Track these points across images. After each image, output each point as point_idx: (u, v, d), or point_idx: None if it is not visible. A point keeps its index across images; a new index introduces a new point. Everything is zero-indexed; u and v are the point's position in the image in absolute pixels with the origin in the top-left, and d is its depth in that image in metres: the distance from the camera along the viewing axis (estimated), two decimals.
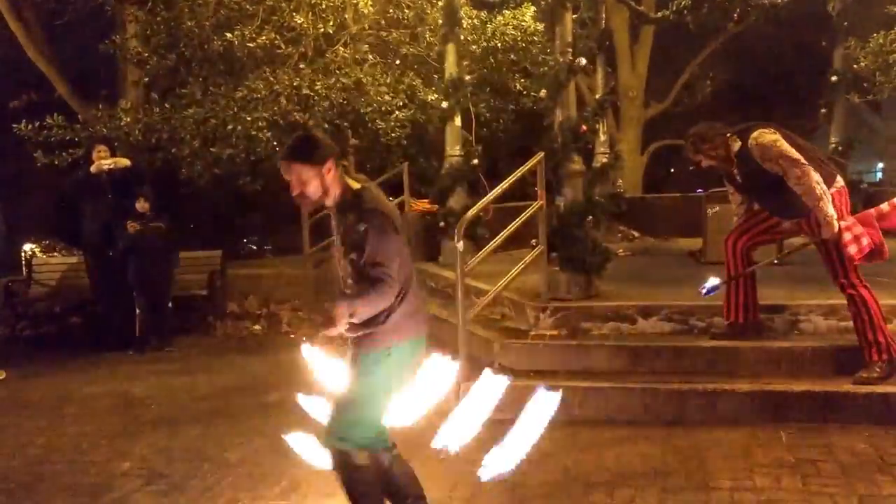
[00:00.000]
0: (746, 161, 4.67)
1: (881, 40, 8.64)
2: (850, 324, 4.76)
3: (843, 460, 4.02)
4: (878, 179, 19.35)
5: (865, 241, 4.47)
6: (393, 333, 3.05)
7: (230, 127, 9.29)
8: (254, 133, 9.18)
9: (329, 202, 3.03)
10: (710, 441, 4.37)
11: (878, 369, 4.57)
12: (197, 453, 4.65)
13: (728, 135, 4.77)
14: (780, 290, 5.17)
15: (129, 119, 9.61)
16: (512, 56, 10.87)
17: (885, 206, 4.55)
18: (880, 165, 20.75)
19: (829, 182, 4.54)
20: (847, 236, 4.48)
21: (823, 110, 9.54)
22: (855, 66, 9.25)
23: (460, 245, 5.16)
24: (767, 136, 4.56)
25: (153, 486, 4.18)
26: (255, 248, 20.33)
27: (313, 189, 2.96)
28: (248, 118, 9.13)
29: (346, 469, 3.07)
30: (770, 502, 3.60)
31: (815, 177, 4.45)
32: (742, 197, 5.08)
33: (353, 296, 2.87)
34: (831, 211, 4.46)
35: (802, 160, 4.46)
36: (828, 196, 4.46)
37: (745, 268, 4.97)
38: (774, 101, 16.79)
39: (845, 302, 4.73)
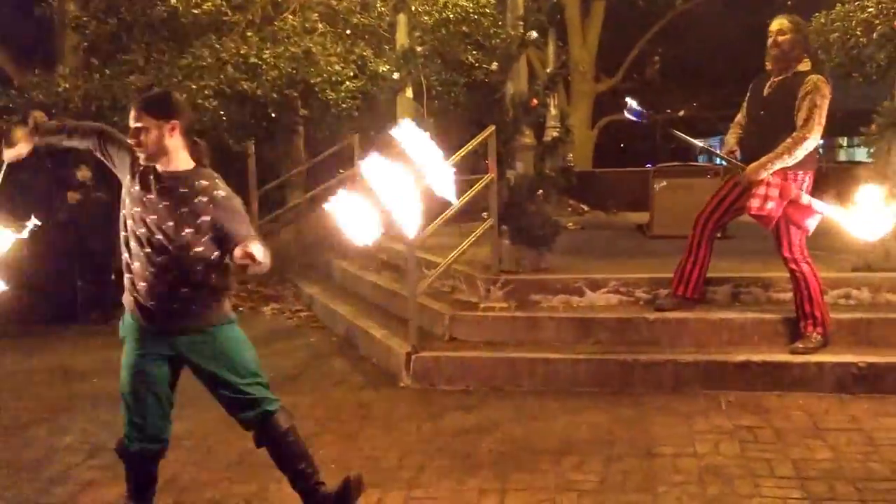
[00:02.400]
0: (789, 84, 4.68)
1: (822, 19, 8.78)
2: (789, 296, 4.91)
3: (778, 426, 4.16)
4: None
5: (771, 205, 4.59)
6: None
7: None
8: (199, 101, 8.96)
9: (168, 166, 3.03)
10: (654, 409, 4.49)
11: (813, 340, 4.74)
12: None
13: (807, 54, 4.76)
14: (722, 263, 5.30)
15: (67, 85, 9.29)
16: (464, 28, 10.78)
17: (805, 199, 4.61)
18: (821, 142, 21.26)
19: (810, 163, 4.65)
20: (760, 190, 4.60)
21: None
22: None
23: None
24: (826, 89, 4.58)
25: (96, 460, 4.12)
26: None
27: (150, 142, 2.98)
28: (194, 86, 8.89)
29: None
30: (710, 467, 3.71)
31: (809, 146, 4.55)
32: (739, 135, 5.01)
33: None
34: (774, 168, 4.57)
35: (820, 129, 4.55)
36: (790, 162, 4.56)
37: (707, 249, 5.03)
38: (722, 78, 16.99)
39: (784, 275, 4.87)
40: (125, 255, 3.04)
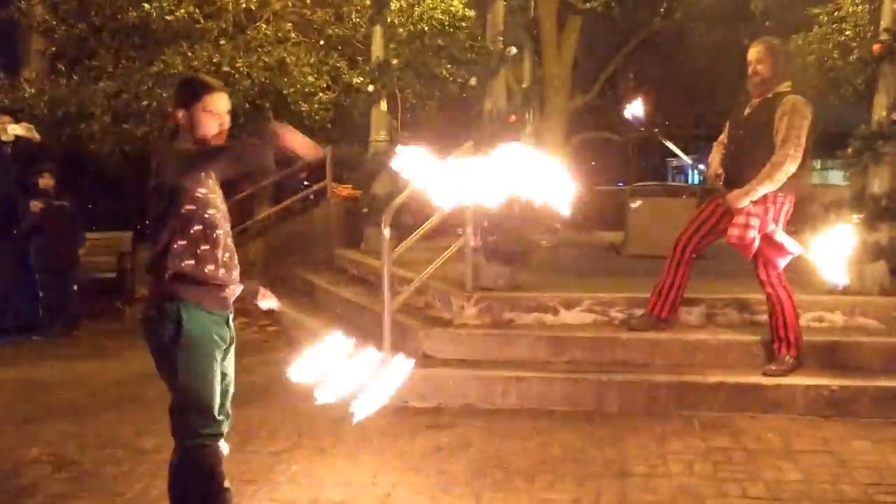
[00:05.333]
0: (768, 105, 4.69)
1: (800, 41, 8.92)
2: (763, 318, 4.94)
3: (751, 448, 4.18)
4: None
5: (751, 235, 4.62)
6: None
7: (145, 103, 8.93)
8: (170, 110, 8.84)
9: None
10: (628, 429, 4.48)
11: (786, 363, 4.77)
12: (110, 440, 4.50)
13: (788, 78, 4.78)
14: (697, 284, 5.30)
15: (33, 90, 9.13)
16: (439, 41, 10.79)
17: (779, 237, 4.64)
18: None
19: (790, 186, 4.64)
20: (741, 219, 4.63)
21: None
22: None
23: (387, 232, 5.11)
24: (805, 109, 4.60)
25: (64, 473, 4.02)
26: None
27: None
28: (164, 94, 8.78)
29: None
30: (682, 488, 3.71)
31: (790, 168, 4.54)
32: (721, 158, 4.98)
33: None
34: (757, 195, 4.58)
35: (800, 150, 4.55)
36: (772, 187, 4.57)
37: (686, 270, 5.02)
38: (697, 98, 17.14)
39: (759, 296, 4.90)
40: (208, 249, 2.89)
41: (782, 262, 4.67)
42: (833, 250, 3.93)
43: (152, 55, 9.26)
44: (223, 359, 3.01)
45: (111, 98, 9.08)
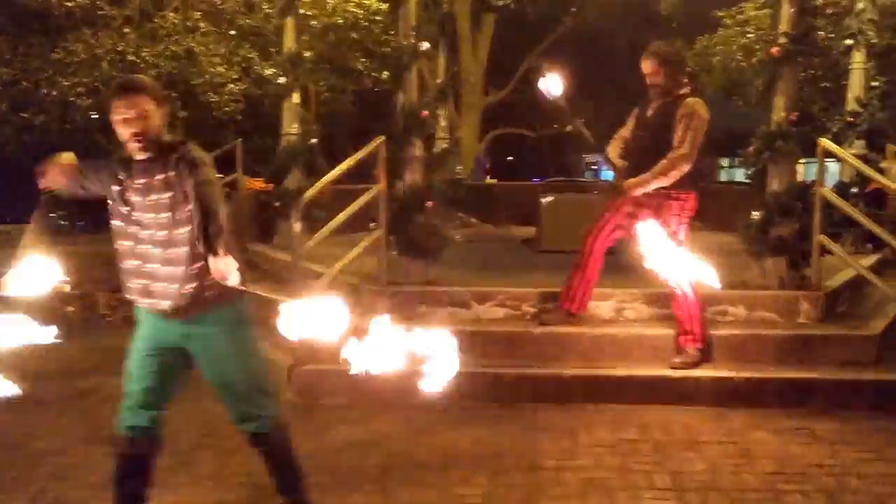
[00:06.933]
0: (669, 108, 4.77)
1: (705, 42, 9.21)
2: (670, 312, 5.05)
3: (658, 439, 4.26)
4: None
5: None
6: None
7: (44, 91, 8.56)
8: (71, 99, 8.51)
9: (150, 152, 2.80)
10: (539, 423, 4.51)
11: (691, 356, 4.89)
12: (0, 443, 4.25)
13: (686, 79, 4.89)
14: (607, 278, 5.38)
15: None
16: (353, 34, 10.69)
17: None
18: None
19: (689, 184, 4.75)
20: (629, 208, 4.77)
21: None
22: None
23: (297, 226, 5.01)
24: (703, 111, 4.71)
25: None
26: (63, 223, 18.54)
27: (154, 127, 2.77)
28: (66, 83, 8.45)
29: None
30: (591, 480, 3.76)
31: (683, 167, 4.66)
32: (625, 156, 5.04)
33: None
34: (650, 187, 4.70)
35: (695, 150, 4.66)
36: (665, 182, 4.68)
37: (595, 265, 5.05)
38: (609, 96, 17.50)
39: (666, 291, 5.01)
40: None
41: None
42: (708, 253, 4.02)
43: (53, 42, 8.88)
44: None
45: (8, 86, 8.67)
